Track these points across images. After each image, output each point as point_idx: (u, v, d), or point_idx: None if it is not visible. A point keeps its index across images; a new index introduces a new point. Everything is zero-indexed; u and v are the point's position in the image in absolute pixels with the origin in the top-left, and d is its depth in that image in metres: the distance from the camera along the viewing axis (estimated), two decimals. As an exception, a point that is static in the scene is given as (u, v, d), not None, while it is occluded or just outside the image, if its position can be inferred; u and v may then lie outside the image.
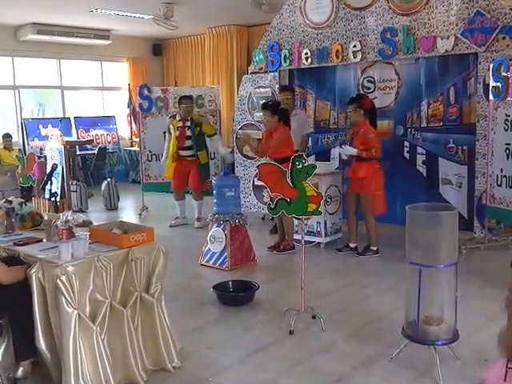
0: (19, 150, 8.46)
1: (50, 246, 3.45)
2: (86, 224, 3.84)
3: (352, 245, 6.53)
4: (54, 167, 5.77)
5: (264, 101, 7.46)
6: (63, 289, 3.05)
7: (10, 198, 4.47)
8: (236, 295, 4.97)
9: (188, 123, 7.90)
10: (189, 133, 7.89)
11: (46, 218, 4.10)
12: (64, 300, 3.06)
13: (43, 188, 4.89)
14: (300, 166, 4.04)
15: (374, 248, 6.41)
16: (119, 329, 3.33)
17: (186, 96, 8.15)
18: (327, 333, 4.21)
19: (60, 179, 8.45)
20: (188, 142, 7.92)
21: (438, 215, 3.32)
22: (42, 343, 3.21)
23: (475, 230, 6.76)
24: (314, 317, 4.40)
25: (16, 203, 4.30)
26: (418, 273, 3.35)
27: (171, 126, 7.99)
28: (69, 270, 3.09)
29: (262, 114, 6.81)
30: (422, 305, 3.39)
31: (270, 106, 6.60)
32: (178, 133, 7.89)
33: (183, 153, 7.96)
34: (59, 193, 8.41)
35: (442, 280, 3.43)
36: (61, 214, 3.67)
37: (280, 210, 4.20)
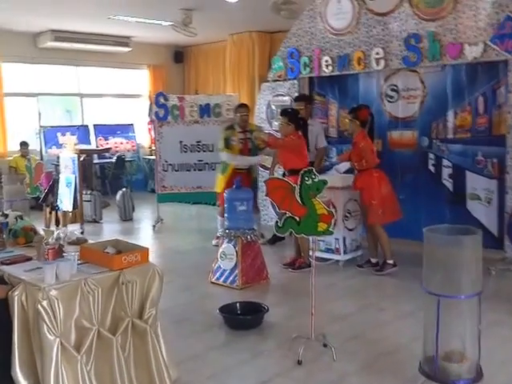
0: (27, 159, 8.27)
1: (36, 266, 3.18)
2: (79, 242, 3.56)
3: (373, 260, 6.28)
4: (56, 179, 5.52)
5: (284, 108, 7.18)
6: (44, 314, 2.78)
7: (6, 212, 4.25)
8: (243, 319, 4.65)
9: (248, 134, 7.30)
10: (250, 145, 7.32)
11: (41, 233, 3.86)
12: (45, 327, 2.80)
13: (43, 201, 4.65)
14: (309, 182, 3.73)
15: (391, 261, 6.13)
16: (108, 358, 3.05)
17: (242, 104, 7.70)
18: (338, 363, 3.86)
19: (72, 189, 8.25)
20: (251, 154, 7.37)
21: (459, 239, 2.96)
22: (17, 372, 2.92)
23: (506, 249, 6.33)
24: (325, 345, 4.06)
25: (12, 217, 4.07)
26: (436, 303, 2.99)
27: (234, 138, 7.30)
28: (51, 294, 2.82)
29: (279, 120, 6.48)
30: (441, 338, 3.03)
31: (289, 114, 6.32)
32: (241, 145, 7.27)
33: (242, 166, 7.32)
34: (72, 204, 8.24)
35: (464, 311, 3.06)
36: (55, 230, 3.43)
37: (288, 229, 3.89)
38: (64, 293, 2.88)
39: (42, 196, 4.68)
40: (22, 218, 4.09)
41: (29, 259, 3.39)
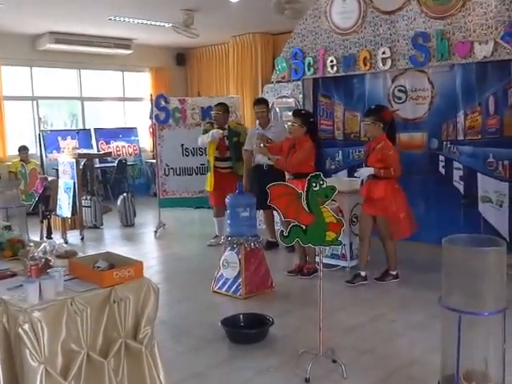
0: (21, 164, 8.04)
1: (20, 283, 2.90)
2: (68, 255, 3.32)
3: (363, 273, 5.84)
4: (47, 186, 5.29)
5: (296, 108, 7.18)
6: (26, 339, 2.54)
7: (-4, 222, 4.03)
8: (247, 332, 4.41)
9: (225, 132, 7.42)
10: (227, 143, 7.43)
11: (31, 245, 3.63)
12: (28, 352, 2.55)
13: (34, 210, 4.42)
14: (317, 188, 3.48)
15: (394, 272, 5.86)
16: (99, 383, 2.81)
17: (219, 103, 7.66)
18: (349, 381, 3.61)
19: (71, 194, 8.03)
20: (227, 153, 7.47)
21: (482, 252, 2.71)
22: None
23: (518, 254, 6.10)
24: (334, 361, 3.83)
25: (-1, 227, 3.84)
26: (456, 320, 2.74)
27: (214, 134, 7.33)
28: (34, 316, 2.58)
29: (291, 120, 6.22)
30: (461, 357, 2.78)
31: (303, 116, 6.09)
32: (217, 143, 7.39)
33: (221, 164, 7.47)
34: (71, 210, 8.03)
35: (487, 329, 2.82)
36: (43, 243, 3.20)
37: (294, 239, 3.65)
38: (48, 314, 2.64)
39: (33, 204, 4.43)
40: (10, 229, 3.87)
41: (13, 275, 3.14)
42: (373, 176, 5.59)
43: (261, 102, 7.26)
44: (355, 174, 6.12)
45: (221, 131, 7.32)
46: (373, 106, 6.22)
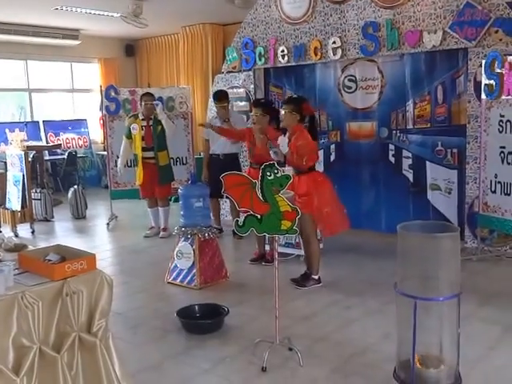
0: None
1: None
2: (17, 248, 3.23)
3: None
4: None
5: (257, 98, 7.25)
6: (-25, 336, 2.46)
7: None
8: (202, 323, 4.38)
9: (151, 122, 7.35)
10: (152, 132, 7.35)
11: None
12: (-23, 349, 2.48)
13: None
14: (272, 177, 3.48)
15: (316, 277, 5.40)
16: (53, 378, 2.72)
17: (147, 93, 7.58)
18: (306, 369, 3.63)
19: (21, 187, 7.84)
20: (153, 143, 7.39)
21: (436, 238, 2.75)
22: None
23: (466, 240, 6.27)
24: (290, 349, 3.84)
25: None
26: (411, 305, 2.78)
27: (135, 126, 7.33)
28: (-18, 312, 2.50)
29: (252, 111, 6.15)
30: (417, 342, 2.82)
31: (263, 104, 6.11)
32: (143, 132, 7.31)
33: (148, 154, 7.39)
34: (20, 203, 7.85)
35: (442, 314, 2.87)
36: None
37: (249, 228, 3.64)
38: (-2, 309, 2.56)
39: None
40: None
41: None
42: (295, 170, 5.22)
43: (222, 99, 7.18)
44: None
45: (136, 125, 7.32)
46: (294, 96, 6.18)
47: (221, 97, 7.19)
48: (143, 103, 7.38)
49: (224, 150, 7.19)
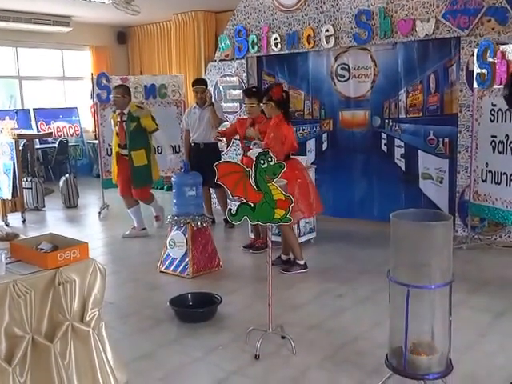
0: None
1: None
2: (9, 237, 3.22)
3: (284, 257, 5.68)
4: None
5: (247, 87, 7.14)
6: (-34, 325, 2.45)
7: None
8: (195, 311, 4.38)
9: (124, 117, 6.77)
10: (125, 128, 6.77)
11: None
12: (-31, 339, 2.47)
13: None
14: (265, 165, 3.47)
15: (301, 262, 5.44)
16: (45, 367, 2.73)
17: (117, 86, 7.09)
18: (298, 357, 3.65)
19: (11, 176, 7.80)
20: (126, 140, 6.82)
21: (429, 226, 2.76)
22: None
23: (457, 229, 6.30)
24: (283, 337, 3.86)
25: None
26: (404, 293, 2.79)
27: (112, 121, 7.03)
28: (-26, 302, 2.50)
29: (246, 102, 6.09)
30: (409, 330, 2.83)
31: (256, 94, 6.05)
32: (117, 128, 6.85)
33: (123, 151, 6.85)
34: (11, 192, 7.81)
35: (434, 301, 2.88)
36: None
37: (242, 217, 3.63)
38: (-11, 299, 2.56)
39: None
40: None
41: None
42: None
43: (200, 82, 7.28)
44: (248, 154, 5.77)
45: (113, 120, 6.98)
46: (270, 85, 6.15)
47: (198, 79, 7.42)
48: (112, 96, 6.93)
49: (204, 139, 7.17)
